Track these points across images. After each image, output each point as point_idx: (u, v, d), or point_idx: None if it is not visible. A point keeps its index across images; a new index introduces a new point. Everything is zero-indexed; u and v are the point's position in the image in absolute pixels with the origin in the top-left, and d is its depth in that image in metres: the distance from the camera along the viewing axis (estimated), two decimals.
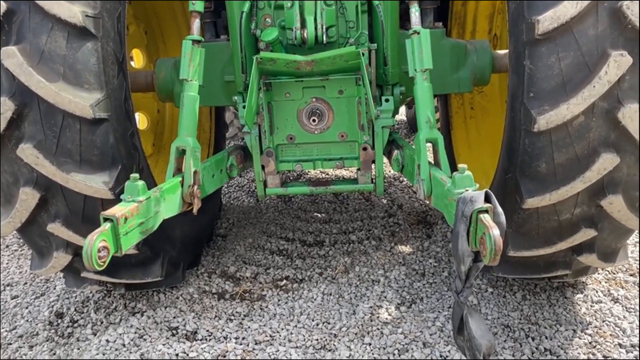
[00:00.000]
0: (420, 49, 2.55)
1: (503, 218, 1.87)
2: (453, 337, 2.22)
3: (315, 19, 2.87)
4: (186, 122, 2.66)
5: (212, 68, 3.21)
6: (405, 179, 5.34)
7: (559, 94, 2.27)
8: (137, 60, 4.11)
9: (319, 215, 4.61)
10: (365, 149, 3.07)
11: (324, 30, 2.89)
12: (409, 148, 2.90)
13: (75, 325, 3.16)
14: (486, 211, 1.87)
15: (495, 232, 1.75)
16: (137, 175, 2.26)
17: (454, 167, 4.14)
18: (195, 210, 2.63)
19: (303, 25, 2.88)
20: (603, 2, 2.20)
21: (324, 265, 3.68)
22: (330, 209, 4.72)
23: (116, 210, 2.06)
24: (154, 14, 4.05)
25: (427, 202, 2.57)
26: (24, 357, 2.90)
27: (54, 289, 3.58)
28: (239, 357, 2.72)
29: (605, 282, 3.30)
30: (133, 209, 2.14)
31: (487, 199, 1.91)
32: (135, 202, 2.17)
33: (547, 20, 2.21)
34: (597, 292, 3.19)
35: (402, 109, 7.98)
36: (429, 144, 2.53)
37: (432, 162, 2.58)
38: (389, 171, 5.61)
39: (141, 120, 4.07)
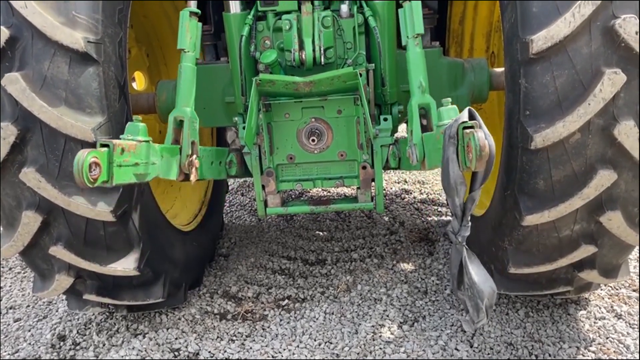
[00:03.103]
0: (412, 15, 2.58)
1: (491, 140, 1.81)
2: (453, 289, 2.11)
3: (313, 41, 2.92)
4: (184, 93, 2.66)
5: (213, 89, 3.26)
6: (407, 196, 5.36)
7: (554, 112, 2.29)
8: (139, 82, 4.17)
9: (321, 233, 4.61)
10: (364, 167, 3.09)
11: (322, 51, 2.93)
12: (403, 139, 2.91)
13: (78, 347, 3.16)
14: (472, 127, 1.84)
15: (480, 133, 1.70)
16: (139, 117, 2.29)
17: None
18: (192, 180, 2.61)
19: (301, 47, 2.93)
20: (596, 21, 2.24)
21: (326, 284, 3.68)
22: (332, 226, 4.73)
23: (114, 140, 2.07)
24: (156, 36, 4.12)
25: (421, 169, 2.48)
26: None
27: (57, 311, 3.58)
28: None
29: (608, 298, 3.29)
30: (131, 145, 2.15)
31: (472, 117, 1.86)
32: (134, 141, 2.18)
33: (541, 39, 2.24)
34: (600, 308, 3.18)
35: (402, 127, 8.01)
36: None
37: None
38: (390, 188, 5.62)
39: None
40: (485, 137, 1.71)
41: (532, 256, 2.62)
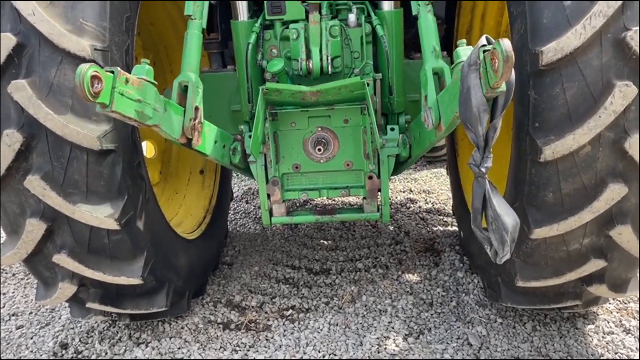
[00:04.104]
0: None
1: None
2: (476, 226, 2.03)
3: (320, 50, 2.92)
4: (189, 59, 2.66)
5: (219, 97, 3.25)
6: (412, 205, 5.32)
7: (564, 124, 2.26)
8: None
9: (326, 242, 4.58)
10: (370, 177, 3.07)
11: (329, 61, 2.92)
12: (415, 122, 2.89)
13: (80, 356, 3.14)
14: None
15: (506, 40, 1.64)
16: (147, 60, 2.27)
17: (462, 195, 4.14)
18: (194, 145, 2.57)
19: (308, 56, 2.92)
20: (607, 33, 2.21)
21: (331, 295, 3.65)
22: (336, 235, 4.70)
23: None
24: (162, 44, 4.12)
25: (438, 133, 2.42)
26: None
27: (59, 318, 3.56)
28: None
29: (617, 312, 3.24)
30: (136, 80, 2.12)
31: (489, 42, 1.81)
32: (139, 78, 2.16)
33: (550, 51, 2.22)
34: (608, 322, 3.13)
35: None
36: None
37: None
38: (396, 198, 5.59)
39: (149, 148, 4.10)
40: (509, 43, 1.66)
41: (541, 270, 2.59)
